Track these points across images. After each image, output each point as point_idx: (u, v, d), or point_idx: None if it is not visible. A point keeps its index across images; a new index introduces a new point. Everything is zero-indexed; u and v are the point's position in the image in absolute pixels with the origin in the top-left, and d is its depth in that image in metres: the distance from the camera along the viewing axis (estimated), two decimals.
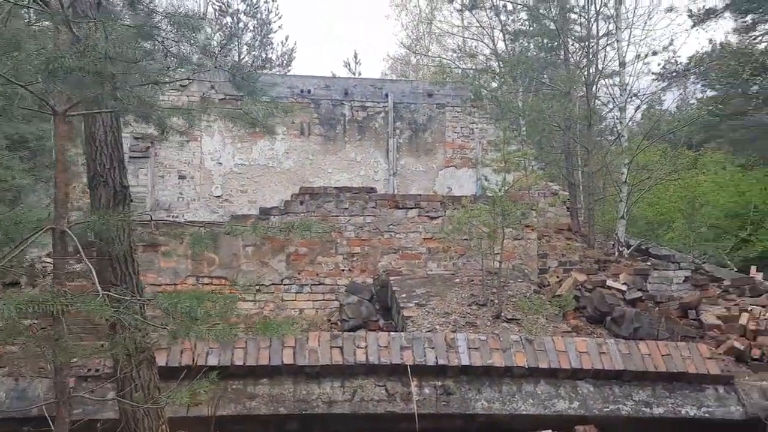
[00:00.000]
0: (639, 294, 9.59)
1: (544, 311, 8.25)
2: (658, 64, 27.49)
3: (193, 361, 5.94)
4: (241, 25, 27.80)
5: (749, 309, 9.06)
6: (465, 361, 6.40)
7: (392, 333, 6.96)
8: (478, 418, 6.23)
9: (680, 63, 21.03)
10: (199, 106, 4.89)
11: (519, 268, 9.81)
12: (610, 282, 9.70)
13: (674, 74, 20.45)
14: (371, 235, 9.79)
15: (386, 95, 14.50)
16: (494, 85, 14.60)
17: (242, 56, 26.12)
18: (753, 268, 11.51)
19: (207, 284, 9.06)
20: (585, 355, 6.55)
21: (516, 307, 8.34)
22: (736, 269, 12.90)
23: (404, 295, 8.56)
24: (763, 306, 9.41)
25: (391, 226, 9.85)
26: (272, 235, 4.76)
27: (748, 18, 19.79)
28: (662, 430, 6.32)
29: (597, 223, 13.93)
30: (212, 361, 6.10)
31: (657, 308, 9.36)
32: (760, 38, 20.71)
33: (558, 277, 10.13)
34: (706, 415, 6.27)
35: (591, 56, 12.62)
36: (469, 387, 6.35)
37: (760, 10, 19.01)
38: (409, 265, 9.79)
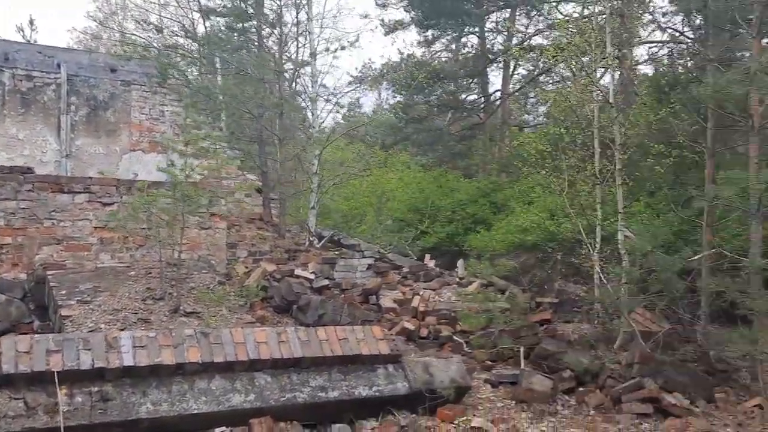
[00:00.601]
0: (326, 282, 9.79)
1: (227, 303, 7.86)
2: (356, 68, 29.29)
3: None
4: None
5: (421, 293, 9.85)
6: (128, 362, 5.64)
7: (37, 335, 5.86)
8: (142, 423, 5.54)
9: (375, 69, 22.63)
10: None
11: (204, 258, 9.26)
12: (298, 271, 9.73)
13: (369, 78, 21.86)
14: (27, 223, 8.30)
15: (59, 65, 12.55)
16: (190, 67, 13.69)
17: None
18: (427, 257, 12.70)
19: None
20: (264, 345, 6.29)
21: (197, 300, 7.80)
22: (415, 258, 14.10)
23: (64, 292, 7.37)
24: (434, 290, 10.33)
25: (53, 213, 8.47)
26: None
27: (429, 33, 22.10)
28: (337, 412, 6.35)
29: (293, 214, 14.01)
30: None
31: (342, 295, 9.64)
32: (439, 53, 23.34)
33: (247, 267, 9.83)
34: (377, 393, 6.46)
35: (283, 44, 12.60)
36: (133, 390, 5.62)
37: (438, 27, 21.34)
38: (77, 258, 8.54)
